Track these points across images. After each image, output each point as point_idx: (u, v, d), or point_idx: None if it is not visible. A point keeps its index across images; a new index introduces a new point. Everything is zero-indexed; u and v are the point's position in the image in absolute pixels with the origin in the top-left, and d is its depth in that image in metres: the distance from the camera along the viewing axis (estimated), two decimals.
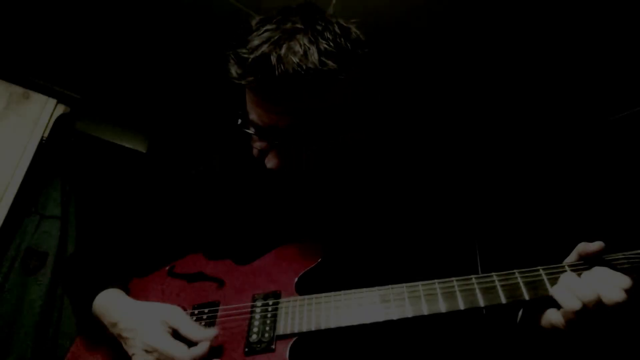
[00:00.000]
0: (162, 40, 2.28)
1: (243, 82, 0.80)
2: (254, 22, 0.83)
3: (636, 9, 1.90)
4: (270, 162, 0.86)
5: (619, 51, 2.15)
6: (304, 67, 0.74)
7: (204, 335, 0.81)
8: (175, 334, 0.82)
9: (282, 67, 0.74)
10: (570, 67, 2.28)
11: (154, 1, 2.04)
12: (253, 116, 0.84)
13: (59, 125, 2.30)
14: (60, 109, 2.31)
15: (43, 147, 2.22)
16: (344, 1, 1.95)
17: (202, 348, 0.79)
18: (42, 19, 2.15)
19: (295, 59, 0.74)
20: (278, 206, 1.01)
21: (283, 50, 0.74)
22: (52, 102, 2.28)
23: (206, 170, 1.12)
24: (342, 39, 0.79)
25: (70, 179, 2.46)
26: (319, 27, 0.78)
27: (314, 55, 0.75)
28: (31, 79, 2.23)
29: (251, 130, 0.87)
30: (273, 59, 0.74)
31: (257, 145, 0.89)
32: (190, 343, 0.81)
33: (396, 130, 2.87)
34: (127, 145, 2.76)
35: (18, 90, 2.21)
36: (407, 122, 2.83)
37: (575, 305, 0.66)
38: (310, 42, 0.76)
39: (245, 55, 0.77)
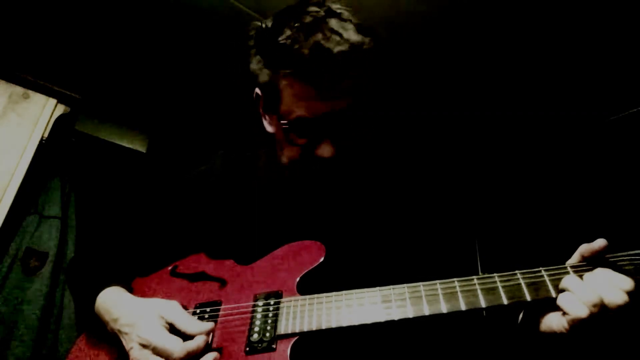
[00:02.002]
0: (162, 40, 2.29)
1: (298, 77, 0.82)
2: (271, 20, 0.87)
3: (635, 9, 1.91)
4: (325, 151, 0.87)
5: (619, 52, 2.16)
6: (350, 45, 0.80)
7: (199, 328, 0.81)
8: (174, 329, 0.82)
9: (332, 50, 0.78)
10: (571, 67, 2.29)
11: (153, 1, 2.04)
12: (302, 111, 0.85)
13: (59, 125, 2.31)
14: (60, 109, 2.32)
15: (43, 147, 2.22)
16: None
17: (197, 341, 0.79)
18: (43, 19, 2.16)
19: (340, 39, 0.79)
20: (280, 206, 1.01)
21: (326, 34, 0.80)
22: (52, 102, 2.28)
23: (208, 169, 1.12)
24: (357, 21, 0.86)
25: (70, 179, 2.46)
26: (339, 11, 0.85)
27: (353, 35, 0.81)
28: (31, 79, 2.23)
29: (300, 127, 0.87)
30: (324, 43, 0.78)
31: (300, 142, 0.89)
32: (188, 338, 0.81)
33: (397, 131, 2.87)
34: (127, 145, 2.76)
35: (18, 90, 2.21)
36: (408, 123, 2.83)
37: (582, 312, 0.66)
38: (343, 24, 0.82)
39: (295, 46, 0.80)
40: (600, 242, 0.72)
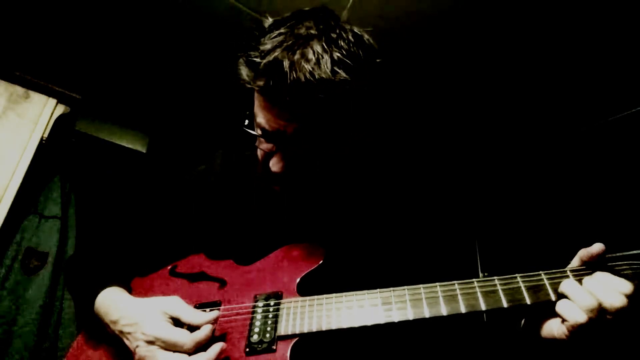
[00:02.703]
0: (162, 40, 2.29)
1: (253, 86, 0.80)
2: (267, 24, 0.83)
3: (634, 11, 1.91)
4: (275, 166, 0.86)
5: (617, 53, 2.16)
6: (316, 76, 0.73)
7: (205, 318, 0.81)
8: (177, 323, 0.83)
9: (295, 75, 0.73)
10: (572, 68, 2.29)
11: (154, 1, 2.04)
12: (260, 119, 0.84)
13: (59, 125, 2.30)
14: (60, 109, 2.31)
15: (43, 147, 2.22)
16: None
17: (204, 331, 0.79)
18: (43, 19, 2.15)
19: (308, 67, 0.73)
20: (281, 207, 1.01)
21: (296, 57, 0.74)
22: (52, 102, 2.28)
23: (208, 169, 1.12)
24: (356, 48, 0.78)
25: (70, 179, 2.46)
26: (334, 35, 0.78)
27: (327, 64, 0.74)
28: (31, 79, 2.22)
29: (258, 132, 0.87)
30: (285, 64, 0.73)
31: (263, 147, 0.89)
32: (193, 330, 0.81)
33: (397, 134, 2.87)
34: (127, 145, 2.76)
35: (18, 90, 2.21)
36: (408, 125, 2.83)
37: (580, 317, 0.66)
38: (324, 50, 0.75)
39: (257, 60, 0.76)
40: (597, 247, 0.72)
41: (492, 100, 2.59)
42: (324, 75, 0.73)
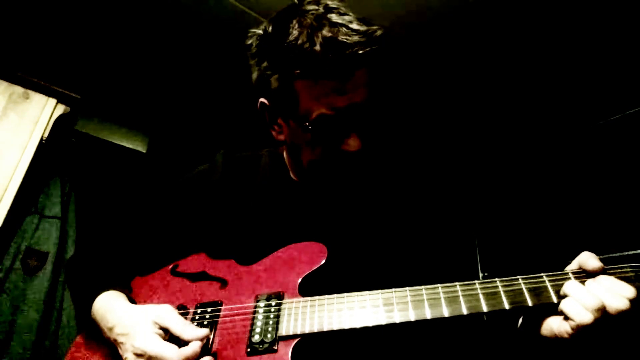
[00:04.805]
0: (162, 40, 2.28)
1: (313, 76, 0.82)
2: (270, 25, 0.88)
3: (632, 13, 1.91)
4: (352, 145, 0.87)
5: (618, 53, 2.16)
6: (358, 34, 0.81)
7: (194, 334, 0.80)
8: (169, 334, 0.82)
9: (342, 41, 0.80)
10: (573, 68, 2.29)
11: (153, 1, 2.04)
12: (322, 109, 0.84)
13: (59, 125, 2.30)
14: (60, 109, 2.31)
15: (43, 147, 2.22)
16: None
17: (192, 347, 0.78)
18: (43, 19, 2.15)
19: (348, 30, 0.81)
20: (283, 207, 1.01)
21: (332, 28, 0.81)
22: (52, 102, 2.28)
23: (210, 169, 1.12)
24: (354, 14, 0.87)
25: (70, 179, 2.46)
26: (336, 6, 0.86)
27: (357, 26, 0.82)
28: (31, 79, 2.22)
29: (324, 125, 0.86)
30: (333, 36, 0.80)
31: (324, 141, 0.89)
32: (184, 341, 0.80)
33: (397, 133, 2.87)
34: (127, 145, 2.76)
35: (18, 90, 2.21)
36: (407, 124, 2.83)
37: (586, 318, 0.66)
38: (343, 17, 0.83)
39: (306, 45, 0.81)
40: (597, 265, 0.71)
41: (494, 99, 2.59)
42: (365, 29, 0.82)
